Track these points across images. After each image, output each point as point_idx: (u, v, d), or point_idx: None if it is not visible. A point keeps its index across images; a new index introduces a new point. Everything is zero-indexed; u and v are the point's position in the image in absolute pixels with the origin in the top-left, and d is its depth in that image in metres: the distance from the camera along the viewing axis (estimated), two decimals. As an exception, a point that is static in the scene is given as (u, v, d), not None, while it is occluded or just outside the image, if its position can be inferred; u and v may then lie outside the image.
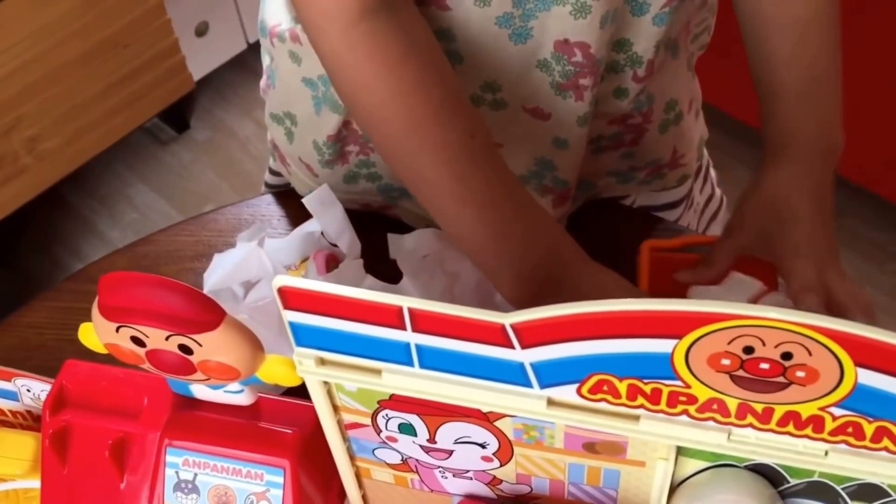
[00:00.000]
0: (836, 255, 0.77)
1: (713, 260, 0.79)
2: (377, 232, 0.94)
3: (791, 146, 0.80)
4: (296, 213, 0.98)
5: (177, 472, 0.65)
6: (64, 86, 1.85)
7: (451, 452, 0.60)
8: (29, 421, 0.75)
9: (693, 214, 1.07)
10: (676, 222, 1.03)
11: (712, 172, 1.09)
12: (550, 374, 0.49)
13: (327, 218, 0.88)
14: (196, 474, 0.65)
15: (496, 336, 0.48)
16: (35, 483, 0.71)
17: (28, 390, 0.72)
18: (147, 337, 0.56)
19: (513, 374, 0.50)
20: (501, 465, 0.61)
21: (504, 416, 0.55)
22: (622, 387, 0.49)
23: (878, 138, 1.85)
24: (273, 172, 1.06)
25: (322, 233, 0.90)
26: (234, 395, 0.64)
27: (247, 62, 2.28)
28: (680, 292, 0.79)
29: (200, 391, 0.64)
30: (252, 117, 2.27)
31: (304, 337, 0.52)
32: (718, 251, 0.80)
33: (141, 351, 0.58)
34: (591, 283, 0.71)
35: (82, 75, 1.88)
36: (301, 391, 0.59)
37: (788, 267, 0.75)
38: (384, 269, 0.87)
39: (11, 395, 0.73)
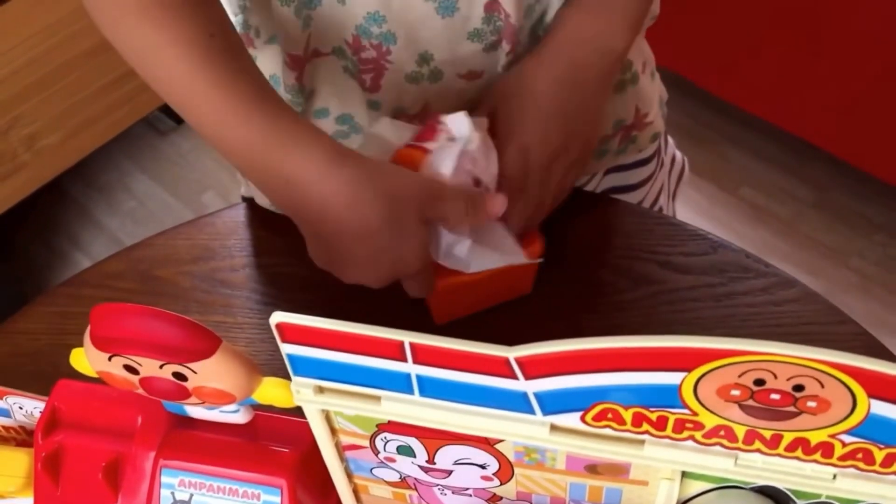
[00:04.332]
0: (572, 151, 0.80)
1: None
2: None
3: (549, 45, 0.81)
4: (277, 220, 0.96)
5: (172, 493, 0.64)
6: (66, 82, 1.84)
7: (450, 472, 0.59)
8: (23, 435, 0.74)
9: (664, 173, 1.09)
10: (650, 179, 1.05)
11: (670, 138, 1.11)
12: (554, 403, 0.48)
13: None
14: (192, 494, 0.64)
15: (499, 368, 0.47)
16: (28, 501, 0.70)
17: (20, 408, 0.71)
18: (140, 365, 0.55)
19: (515, 403, 0.49)
20: (501, 485, 0.60)
21: (505, 439, 0.54)
22: (627, 415, 0.48)
23: (864, 115, 1.86)
24: None
25: None
26: (230, 414, 0.63)
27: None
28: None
29: (196, 411, 0.63)
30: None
31: (303, 368, 0.51)
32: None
33: (134, 378, 0.56)
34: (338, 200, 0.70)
35: (85, 71, 1.86)
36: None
37: (505, 154, 0.77)
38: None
39: (4, 413, 0.72)
